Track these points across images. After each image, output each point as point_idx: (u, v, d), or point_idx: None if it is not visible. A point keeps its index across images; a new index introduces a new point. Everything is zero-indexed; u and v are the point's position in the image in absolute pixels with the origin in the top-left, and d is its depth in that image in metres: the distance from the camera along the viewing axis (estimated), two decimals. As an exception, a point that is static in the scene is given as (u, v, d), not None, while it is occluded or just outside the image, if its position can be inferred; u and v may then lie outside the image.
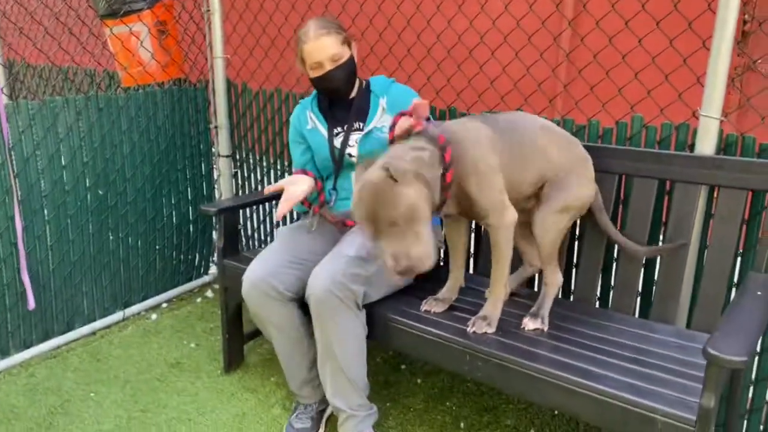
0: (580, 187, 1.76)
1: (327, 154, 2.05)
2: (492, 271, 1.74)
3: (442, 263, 2.25)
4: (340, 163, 2.04)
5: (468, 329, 1.71)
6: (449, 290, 1.88)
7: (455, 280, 1.87)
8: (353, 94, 2.08)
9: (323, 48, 1.95)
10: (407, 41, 2.57)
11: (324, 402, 1.98)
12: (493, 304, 1.74)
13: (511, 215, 1.67)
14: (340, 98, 2.06)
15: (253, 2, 3.08)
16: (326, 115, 2.09)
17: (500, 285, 1.73)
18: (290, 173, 2.86)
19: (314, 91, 2.15)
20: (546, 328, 1.75)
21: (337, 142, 2.04)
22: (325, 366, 1.82)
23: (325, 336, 1.78)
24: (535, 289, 2.11)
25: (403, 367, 2.37)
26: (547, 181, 1.76)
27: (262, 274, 1.87)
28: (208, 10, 2.80)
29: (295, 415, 2.00)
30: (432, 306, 1.84)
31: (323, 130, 2.07)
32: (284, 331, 1.92)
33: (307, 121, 2.11)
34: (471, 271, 2.24)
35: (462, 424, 2.04)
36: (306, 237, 2.04)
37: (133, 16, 2.70)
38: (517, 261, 1.97)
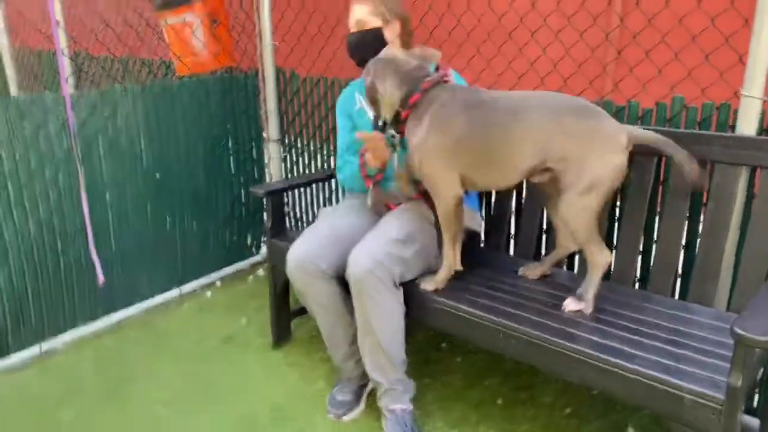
0: (602, 163, 1.66)
1: None
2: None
3: (481, 244, 2.29)
4: None
5: (422, 285, 1.88)
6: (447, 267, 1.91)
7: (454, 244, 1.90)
8: None
9: (354, 11, 2.10)
10: (459, 24, 2.59)
11: (365, 377, 2.05)
12: (447, 269, 1.88)
13: (451, 198, 1.80)
14: (358, 65, 2.11)
15: (301, -11, 3.15)
16: None
17: (447, 252, 1.87)
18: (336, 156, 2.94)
19: None
20: (589, 311, 1.74)
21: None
22: (365, 342, 1.90)
23: (364, 314, 1.85)
24: (574, 270, 2.13)
25: (443, 345, 2.43)
26: (557, 163, 1.69)
27: (305, 253, 1.95)
28: (257, -1, 2.89)
29: (337, 388, 2.09)
30: (432, 286, 1.89)
31: (369, 112, 2.13)
32: (326, 308, 2.00)
33: (356, 102, 2.18)
34: (512, 252, 2.27)
35: (499, 401, 2.09)
36: (347, 216, 2.11)
37: (186, 7, 2.82)
38: (552, 241, 1.99)
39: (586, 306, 1.75)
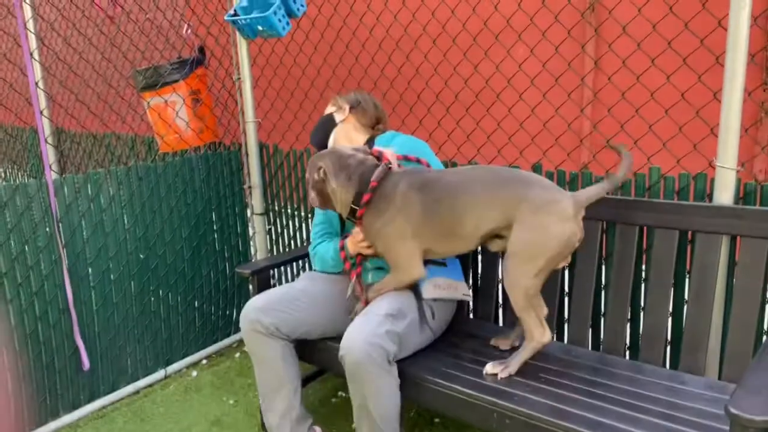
0: (542, 234, 1.70)
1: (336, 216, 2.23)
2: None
3: (470, 314, 2.29)
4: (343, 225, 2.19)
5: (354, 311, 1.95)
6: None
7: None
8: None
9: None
10: (423, 93, 2.66)
11: None
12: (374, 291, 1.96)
13: (413, 275, 1.89)
14: (318, 148, 2.27)
15: (281, 69, 3.23)
16: None
17: (378, 289, 1.95)
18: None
19: None
20: (503, 376, 1.78)
21: None
22: (362, 422, 1.86)
23: (360, 395, 1.82)
24: (564, 340, 2.12)
25: (436, 420, 2.39)
26: (506, 231, 1.77)
27: (252, 307, 2.03)
28: (239, 78, 2.95)
29: None
30: (497, 369, 1.83)
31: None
32: (266, 365, 2.05)
33: None
34: (500, 322, 2.27)
35: (496, 479, 2.04)
36: (316, 286, 2.15)
37: (168, 88, 2.87)
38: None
39: (504, 370, 1.79)
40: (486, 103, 2.56)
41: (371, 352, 1.75)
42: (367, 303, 1.96)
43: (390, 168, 1.92)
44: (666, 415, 1.58)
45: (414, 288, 1.98)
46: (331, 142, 2.22)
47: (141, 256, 2.66)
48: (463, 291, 2.13)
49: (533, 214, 1.71)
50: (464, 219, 1.79)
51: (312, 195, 1.96)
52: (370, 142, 2.19)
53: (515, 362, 1.81)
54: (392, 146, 2.10)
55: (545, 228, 1.70)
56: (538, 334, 1.79)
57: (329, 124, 2.24)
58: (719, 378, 1.82)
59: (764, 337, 1.80)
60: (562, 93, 2.44)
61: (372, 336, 1.77)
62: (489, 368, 1.82)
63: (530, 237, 1.71)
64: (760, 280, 1.71)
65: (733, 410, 1.24)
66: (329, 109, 2.28)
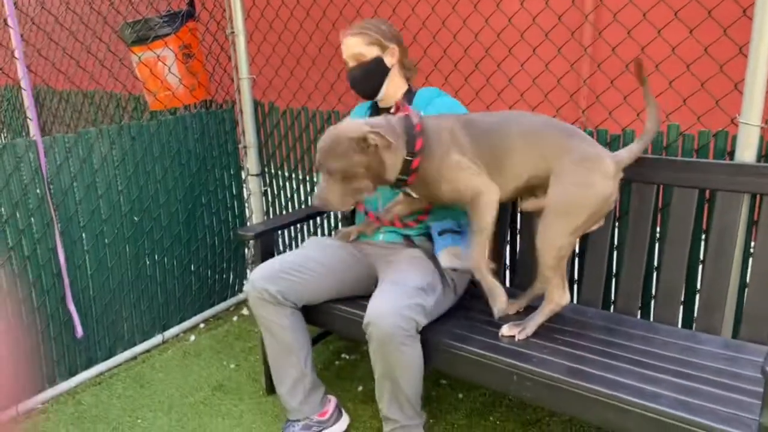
0: (582, 189, 1.66)
1: None
2: (470, 246, 1.76)
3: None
4: None
5: (496, 313, 1.75)
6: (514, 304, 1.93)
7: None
8: (390, 102, 2.09)
9: (348, 46, 2.04)
10: (448, 53, 2.57)
11: (312, 414, 2.02)
12: (486, 284, 1.74)
13: (492, 193, 1.70)
14: (367, 98, 2.11)
15: (277, 22, 3.10)
16: None
17: (474, 252, 1.72)
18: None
19: None
20: (521, 338, 1.75)
21: None
22: (384, 385, 1.82)
23: (387, 364, 1.77)
24: (574, 300, 2.10)
25: (443, 381, 2.38)
26: (544, 185, 1.72)
27: (260, 276, 1.96)
28: (233, 32, 2.82)
29: None
30: (514, 331, 1.81)
31: None
32: (273, 335, 1.99)
33: None
34: (508, 283, 2.24)
35: (507, 440, 2.04)
36: (322, 252, 2.06)
37: (160, 42, 2.73)
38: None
39: (521, 332, 1.76)
40: (486, 73, 2.48)
41: (401, 323, 1.70)
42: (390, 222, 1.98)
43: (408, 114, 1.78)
44: (684, 374, 1.57)
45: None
46: (382, 93, 2.07)
47: (135, 218, 2.56)
48: (459, 258, 2.09)
49: (575, 166, 1.67)
50: (509, 155, 1.71)
51: (363, 183, 1.70)
52: (409, 94, 2.09)
53: (532, 324, 1.78)
54: (429, 108, 2.02)
55: (586, 183, 1.66)
56: (558, 296, 1.76)
57: (381, 68, 2.03)
58: (734, 337, 1.81)
59: (780, 296, 1.78)
60: (577, 49, 2.36)
61: (402, 308, 1.71)
62: (505, 330, 1.79)
63: (570, 191, 1.66)
64: (781, 238, 1.69)
65: (769, 370, 1.22)
66: (363, 48, 2.01)
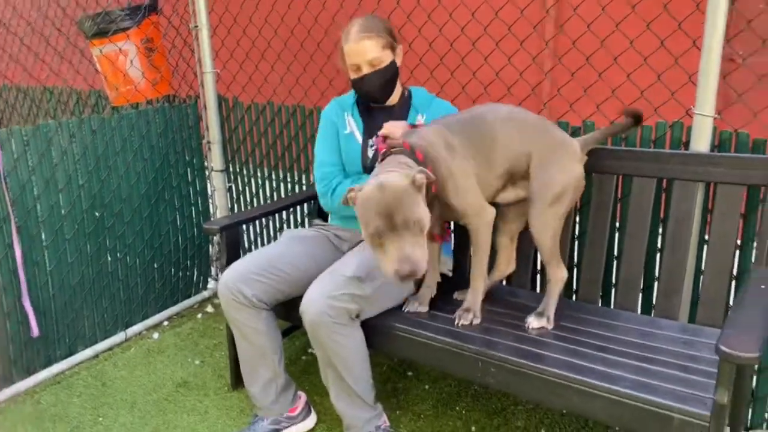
0: (564, 173, 1.75)
1: (359, 163, 2.05)
2: (472, 265, 1.81)
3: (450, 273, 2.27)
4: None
5: (456, 322, 1.78)
6: (428, 287, 1.94)
7: (433, 277, 1.94)
8: (394, 101, 2.08)
9: (362, 51, 1.93)
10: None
11: (283, 411, 2.01)
12: (474, 295, 1.81)
13: (489, 214, 1.75)
14: (379, 103, 2.05)
15: (242, 16, 3.07)
16: (366, 122, 2.07)
17: (479, 277, 1.80)
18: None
19: (353, 92, 2.13)
20: (551, 327, 1.78)
21: (370, 152, 2.05)
22: (327, 373, 1.85)
23: (322, 351, 1.80)
24: (537, 289, 2.14)
25: (410, 373, 2.39)
26: (522, 172, 1.78)
27: (233, 276, 1.91)
28: (196, 26, 2.79)
29: (252, 427, 2.00)
30: (415, 306, 1.90)
31: (359, 138, 2.06)
32: (246, 338, 1.96)
33: (345, 124, 2.09)
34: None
35: (473, 428, 2.06)
36: (300, 246, 2.05)
37: (122, 35, 2.69)
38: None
39: (548, 322, 1.78)
40: (451, 67, 2.51)
41: (328, 311, 1.72)
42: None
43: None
44: (645, 358, 1.61)
45: None
46: (393, 96, 2.05)
47: (96, 214, 2.51)
48: (447, 266, 2.14)
49: (553, 151, 1.76)
50: (494, 142, 1.74)
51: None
52: (405, 95, 2.09)
53: (551, 309, 1.80)
54: (423, 115, 2.04)
55: (567, 168, 1.76)
56: (561, 274, 1.81)
57: (395, 72, 2.00)
58: (690, 322, 1.86)
59: (733, 282, 1.85)
60: (539, 43, 2.41)
61: (330, 297, 1.73)
62: (534, 323, 1.78)
63: (556, 178, 1.74)
64: (734, 226, 1.75)
65: (724, 348, 1.26)
66: (379, 53, 1.94)
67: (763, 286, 1.55)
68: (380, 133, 1.85)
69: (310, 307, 1.74)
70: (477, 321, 1.80)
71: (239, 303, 1.90)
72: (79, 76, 3.03)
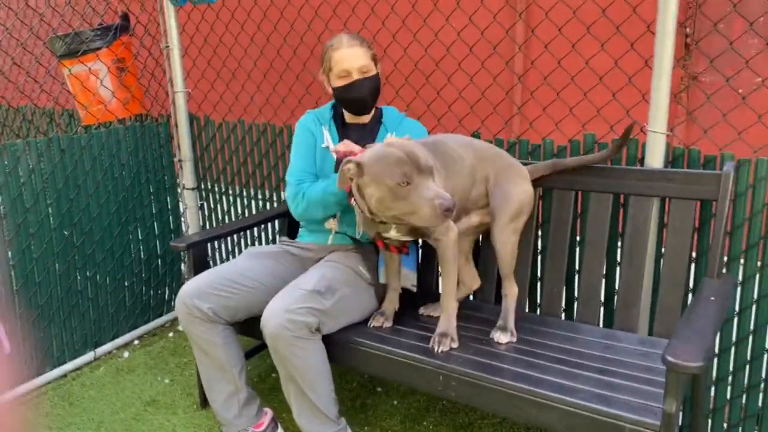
0: (518, 188, 1.86)
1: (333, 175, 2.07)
2: (442, 286, 1.83)
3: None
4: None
5: (435, 349, 1.76)
6: (391, 302, 1.97)
7: (395, 291, 1.97)
8: (368, 118, 2.11)
9: (354, 57, 1.98)
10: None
11: (247, 427, 2.01)
12: (447, 319, 1.81)
13: (455, 231, 1.79)
14: (360, 114, 2.07)
15: (212, 36, 3.11)
16: (341, 136, 2.09)
17: (450, 299, 1.81)
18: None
19: (329, 106, 2.16)
20: (514, 341, 1.81)
21: None
22: (288, 388, 1.86)
23: (283, 366, 1.82)
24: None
25: (379, 389, 2.40)
26: (478, 197, 1.88)
27: (190, 291, 1.93)
28: (167, 46, 2.82)
29: None
30: (380, 321, 1.93)
31: (334, 153, 2.07)
32: (205, 353, 1.97)
33: (323, 138, 2.11)
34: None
35: (440, 443, 2.08)
36: (255, 264, 2.06)
37: (91, 55, 2.71)
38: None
39: (512, 336, 1.83)
40: (426, 72, 2.56)
41: (287, 325, 1.73)
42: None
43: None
44: (602, 370, 1.64)
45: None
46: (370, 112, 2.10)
47: (65, 232, 2.51)
48: (411, 281, 2.15)
49: (507, 171, 1.88)
50: (457, 165, 1.81)
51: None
52: (377, 111, 2.13)
53: (512, 323, 1.85)
54: (392, 133, 2.06)
55: (518, 183, 1.87)
56: (514, 289, 1.89)
57: (379, 84, 2.05)
58: (650, 334, 1.90)
59: (690, 295, 1.89)
60: (499, 63, 2.47)
61: (289, 311, 1.75)
62: (501, 338, 1.81)
63: (514, 197, 1.84)
64: (687, 239, 1.80)
65: (670, 359, 1.30)
66: (367, 62, 1.99)
67: (712, 298, 1.60)
68: (339, 150, 1.89)
69: (269, 320, 1.76)
70: (455, 345, 1.78)
71: (194, 317, 1.92)
72: (50, 95, 3.04)
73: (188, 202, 3.05)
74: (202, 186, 3.04)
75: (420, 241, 2.23)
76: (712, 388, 1.93)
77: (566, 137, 2.00)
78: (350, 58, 1.98)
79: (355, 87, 2.00)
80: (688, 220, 1.80)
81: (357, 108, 2.05)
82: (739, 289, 1.84)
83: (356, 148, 1.87)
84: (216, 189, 3.00)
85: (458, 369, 1.67)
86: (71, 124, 3.53)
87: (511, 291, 1.88)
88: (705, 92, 2.17)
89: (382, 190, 1.58)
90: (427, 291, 2.22)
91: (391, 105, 2.18)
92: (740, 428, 1.91)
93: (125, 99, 2.83)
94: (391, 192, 1.57)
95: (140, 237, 2.85)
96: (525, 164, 1.97)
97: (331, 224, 2.10)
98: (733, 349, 1.88)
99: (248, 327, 2.06)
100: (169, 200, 2.98)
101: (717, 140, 1.95)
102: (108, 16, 3.00)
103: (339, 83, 2.01)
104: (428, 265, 2.24)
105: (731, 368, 1.89)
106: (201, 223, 3.10)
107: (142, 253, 2.87)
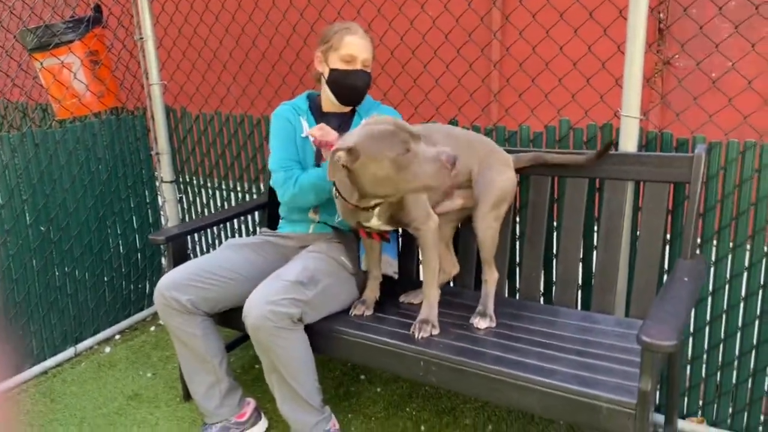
0: (501, 176, 1.87)
1: (313, 166, 2.07)
2: (423, 274, 1.84)
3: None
4: None
5: (415, 336, 1.77)
6: (372, 290, 1.98)
7: (375, 279, 1.98)
8: (348, 108, 2.10)
9: (364, 48, 2.00)
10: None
11: (230, 418, 2.02)
12: (429, 306, 1.83)
13: (435, 220, 1.81)
14: (348, 104, 2.06)
15: (187, 28, 3.08)
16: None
17: (432, 286, 1.83)
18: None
19: (304, 97, 2.14)
20: (493, 326, 1.83)
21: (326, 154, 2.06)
22: (271, 378, 1.87)
23: (266, 356, 1.82)
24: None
25: (362, 377, 2.42)
26: (460, 183, 1.89)
27: (168, 284, 1.93)
28: (141, 38, 2.79)
29: None
30: (361, 310, 1.94)
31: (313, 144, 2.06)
32: (185, 345, 1.97)
33: (302, 128, 2.09)
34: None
35: (422, 428, 2.10)
36: (234, 255, 2.06)
37: (64, 48, 2.67)
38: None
39: (492, 321, 1.84)
40: (402, 61, 2.56)
41: (269, 316, 1.74)
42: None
43: None
44: (580, 352, 1.67)
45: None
46: None
47: (42, 228, 2.49)
48: (393, 269, 2.16)
49: (489, 158, 1.89)
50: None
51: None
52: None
53: (491, 308, 1.87)
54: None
55: (501, 170, 1.88)
56: (495, 275, 1.91)
57: (371, 82, 2.05)
58: (627, 315, 1.93)
59: (665, 276, 1.93)
60: (475, 50, 2.48)
61: (271, 302, 1.75)
62: (481, 323, 1.83)
63: (497, 185, 1.85)
64: (662, 221, 1.83)
65: (644, 338, 1.32)
66: (371, 56, 2.02)
67: (685, 278, 1.63)
68: (315, 135, 1.89)
69: (251, 311, 1.76)
70: (436, 332, 1.79)
71: (173, 309, 1.92)
72: (22, 89, 3.00)
73: (167, 195, 3.03)
74: (181, 179, 3.02)
75: (400, 229, 2.24)
76: (688, 367, 1.97)
77: (542, 123, 2.01)
78: (360, 48, 1.99)
79: (356, 76, 2.00)
80: (661, 202, 1.83)
81: (349, 97, 2.04)
82: (712, 269, 1.88)
83: (332, 132, 1.87)
84: (195, 182, 2.98)
85: (439, 354, 1.69)
86: (45, 118, 3.48)
87: (491, 277, 1.91)
88: (677, 77, 2.20)
89: (384, 166, 1.57)
90: (407, 278, 2.24)
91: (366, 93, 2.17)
92: (715, 405, 1.96)
93: (100, 92, 2.80)
94: (394, 164, 1.57)
95: (119, 231, 2.82)
96: (507, 152, 1.98)
97: (313, 215, 2.10)
98: (707, 328, 1.92)
99: (229, 318, 2.07)
100: (147, 194, 2.96)
101: (690, 124, 1.98)
102: (80, 8, 2.96)
103: (340, 66, 1.99)
104: (408, 252, 2.26)
105: (706, 347, 1.93)
106: (180, 216, 3.08)
107: (121, 248, 2.85)
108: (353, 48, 1.98)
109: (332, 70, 2.01)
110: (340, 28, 2.01)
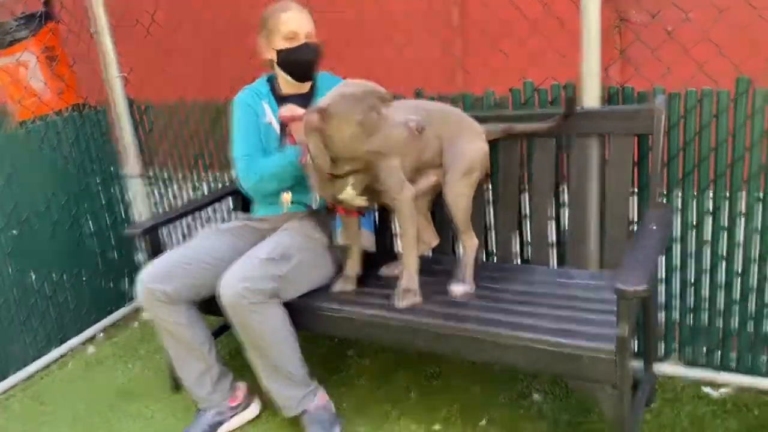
0: (471, 145, 1.88)
1: (276, 150, 2.06)
2: (402, 244, 1.86)
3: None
4: None
5: (397, 304, 1.80)
6: (353, 265, 1.98)
7: (356, 253, 1.98)
8: (308, 86, 2.09)
9: (303, 21, 1.99)
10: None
11: (222, 404, 2.04)
12: (409, 274, 1.85)
13: (410, 190, 1.82)
14: (302, 80, 2.05)
15: (144, 16, 3.02)
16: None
17: (411, 255, 1.85)
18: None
19: (264, 80, 2.13)
20: (473, 290, 1.87)
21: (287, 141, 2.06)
22: (253, 356, 1.89)
23: (245, 333, 1.84)
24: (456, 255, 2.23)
25: (349, 352, 2.45)
26: (433, 158, 1.89)
27: (150, 275, 1.92)
28: (96, 31, 2.73)
29: (192, 425, 2.04)
30: (342, 286, 1.95)
31: (276, 127, 2.06)
32: (173, 335, 1.97)
33: (264, 113, 2.08)
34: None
35: (412, 394, 2.15)
36: (217, 238, 2.07)
37: (18, 46, 2.61)
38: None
39: (470, 286, 1.87)
40: (364, 34, 2.56)
41: (244, 293, 1.76)
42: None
43: None
44: (559, 306, 1.72)
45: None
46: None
47: (14, 232, 2.45)
48: (370, 242, 2.19)
49: (459, 128, 1.90)
50: (426, 138, 1.82)
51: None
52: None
53: (468, 275, 1.89)
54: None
55: (472, 140, 1.90)
56: (474, 240, 1.93)
57: (322, 51, 2.03)
58: (601, 268, 1.99)
59: (634, 226, 1.98)
60: (437, 19, 2.48)
61: (245, 278, 1.77)
62: (458, 290, 1.85)
63: (468, 152, 1.87)
64: (628, 174, 1.88)
65: (619, 286, 1.38)
66: (312, 28, 2.01)
67: (654, 227, 1.69)
68: (284, 115, 1.91)
69: (225, 291, 1.78)
70: (418, 299, 1.81)
71: (158, 300, 1.91)
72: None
73: (135, 190, 3.00)
74: (150, 172, 2.99)
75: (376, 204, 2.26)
76: (662, 313, 2.04)
77: (507, 87, 2.04)
78: (299, 22, 1.98)
79: (303, 49, 1.99)
80: (627, 155, 1.88)
81: (302, 72, 2.03)
82: (678, 215, 1.94)
83: (300, 110, 1.87)
84: (165, 174, 2.96)
85: (423, 321, 1.73)
86: (4, 120, 3.40)
87: (470, 243, 1.92)
88: (635, 32, 2.25)
89: (352, 127, 1.61)
90: (385, 252, 2.27)
91: (329, 71, 2.17)
92: (690, 346, 2.03)
93: (59, 89, 2.75)
94: (362, 126, 1.61)
95: (92, 229, 2.80)
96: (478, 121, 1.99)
97: (286, 198, 2.10)
98: (677, 273, 1.98)
99: (213, 305, 2.07)
100: (117, 190, 2.93)
101: (650, 78, 2.02)
102: (30, 3, 2.88)
103: (285, 45, 1.99)
104: (384, 226, 2.28)
105: (678, 291, 2.00)
106: (153, 210, 3.06)
107: (96, 246, 2.82)
108: (292, 24, 1.98)
109: (279, 52, 2.01)
110: (272, 10, 2.01)
